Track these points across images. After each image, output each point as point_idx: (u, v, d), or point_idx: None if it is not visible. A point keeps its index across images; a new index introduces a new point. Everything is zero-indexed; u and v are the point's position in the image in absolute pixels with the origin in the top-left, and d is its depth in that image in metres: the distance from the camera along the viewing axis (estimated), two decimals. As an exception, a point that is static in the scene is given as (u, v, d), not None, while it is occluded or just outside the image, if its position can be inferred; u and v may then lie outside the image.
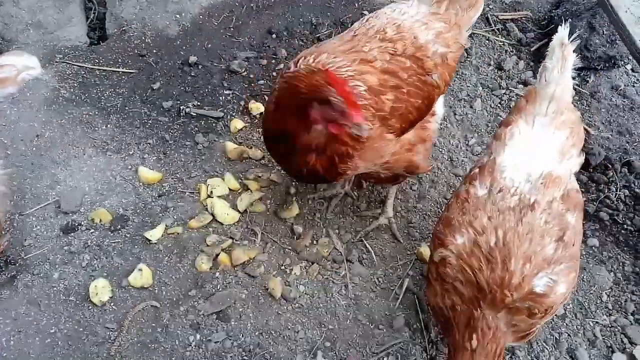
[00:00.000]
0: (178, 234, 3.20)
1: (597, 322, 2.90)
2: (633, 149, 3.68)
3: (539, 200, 2.30)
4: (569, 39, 2.70)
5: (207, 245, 3.13)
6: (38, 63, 2.78)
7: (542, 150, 2.44)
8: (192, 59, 4.06)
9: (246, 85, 3.97)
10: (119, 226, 3.21)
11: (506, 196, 2.32)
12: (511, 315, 2.18)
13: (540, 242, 2.21)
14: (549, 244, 2.22)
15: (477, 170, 2.51)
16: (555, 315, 2.88)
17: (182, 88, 3.94)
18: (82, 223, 3.21)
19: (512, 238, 2.20)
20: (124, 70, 4.02)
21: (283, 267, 3.08)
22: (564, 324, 2.88)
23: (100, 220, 3.23)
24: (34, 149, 3.50)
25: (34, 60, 2.78)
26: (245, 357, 2.78)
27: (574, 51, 2.71)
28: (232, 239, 3.17)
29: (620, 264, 3.13)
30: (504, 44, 4.30)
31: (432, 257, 2.44)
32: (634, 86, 4.02)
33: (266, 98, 3.88)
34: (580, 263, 3.06)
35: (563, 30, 2.70)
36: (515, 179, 2.37)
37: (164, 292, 2.97)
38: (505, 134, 2.51)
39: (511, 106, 3.90)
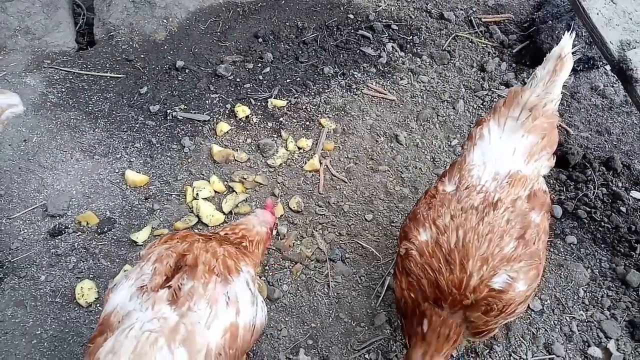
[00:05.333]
0: (164, 235, 3.24)
1: (573, 317, 2.95)
2: (611, 148, 3.75)
3: (502, 198, 2.33)
4: (571, 48, 2.62)
5: (193, 247, 3.17)
6: (20, 100, 2.84)
7: (510, 151, 2.47)
8: (179, 63, 4.12)
9: (232, 89, 4.03)
10: (106, 229, 3.26)
11: (472, 194, 2.36)
12: (469, 312, 2.20)
13: (499, 242, 2.22)
14: (508, 243, 2.23)
15: (448, 167, 2.56)
16: (533, 310, 2.94)
17: (169, 92, 3.99)
18: (69, 226, 3.25)
19: (471, 239, 2.22)
20: (112, 75, 4.07)
21: (267, 267, 3.14)
22: (541, 319, 2.94)
23: (87, 223, 3.27)
24: (22, 153, 3.55)
25: (16, 98, 2.83)
26: (229, 356, 2.83)
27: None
28: (217, 240, 3.22)
29: (598, 260, 3.18)
30: (486, 46, 4.37)
31: (399, 251, 2.47)
32: (612, 86, 4.10)
33: (252, 101, 3.95)
34: (557, 260, 3.15)
35: (565, 41, 2.62)
36: (483, 177, 2.41)
37: (149, 293, 3.01)
38: (475, 133, 2.56)
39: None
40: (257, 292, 2.31)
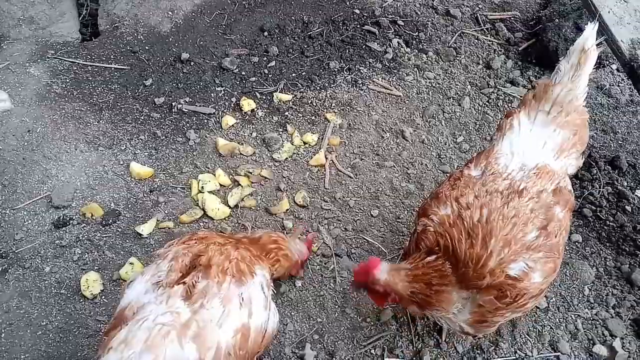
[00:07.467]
0: (169, 228, 3.23)
1: (579, 315, 2.96)
2: (617, 147, 3.75)
3: (528, 187, 2.30)
4: (595, 40, 2.57)
5: (198, 240, 3.16)
6: (7, 96, 2.81)
7: (539, 144, 2.45)
8: (184, 55, 4.10)
9: (238, 82, 4.01)
10: (111, 221, 3.24)
11: (497, 179, 2.34)
12: (480, 295, 2.17)
13: (523, 228, 2.19)
14: (531, 231, 2.20)
15: (474, 155, 2.56)
16: (538, 308, 2.95)
17: (174, 84, 3.97)
18: (74, 217, 3.23)
19: (496, 218, 2.18)
20: (116, 66, 4.05)
21: (273, 262, 3.12)
22: (547, 316, 2.94)
23: (92, 215, 3.26)
24: (26, 144, 3.52)
25: (3, 94, 2.81)
26: (234, 350, 2.82)
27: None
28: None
29: (603, 259, 3.19)
30: (492, 43, 4.36)
31: (415, 228, 2.42)
32: (618, 86, 4.10)
33: (257, 95, 3.93)
34: (563, 258, 3.14)
35: (588, 32, 2.56)
36: (510, 166, 2.40)
37: (154, 286, 3.00)
38: (505, 124, 2.54)
39: (499, 105, 3.97)
40: (271, 298, 2.31)
